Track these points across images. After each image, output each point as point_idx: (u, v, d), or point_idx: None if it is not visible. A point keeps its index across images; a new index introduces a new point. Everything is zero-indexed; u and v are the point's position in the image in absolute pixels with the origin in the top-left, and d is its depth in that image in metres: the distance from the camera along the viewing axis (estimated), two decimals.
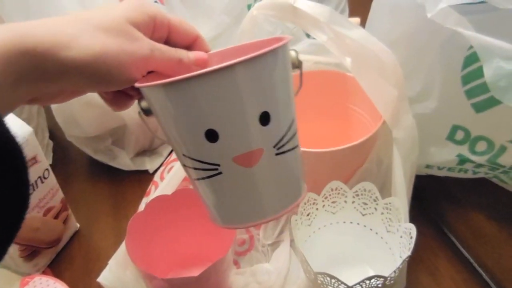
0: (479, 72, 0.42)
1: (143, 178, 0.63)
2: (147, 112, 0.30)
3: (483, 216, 0.53)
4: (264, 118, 0.27)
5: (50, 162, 0.68)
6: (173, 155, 0.55)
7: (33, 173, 0.48)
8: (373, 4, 0.49)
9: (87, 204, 0.61)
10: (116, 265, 0.41)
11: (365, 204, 0.46)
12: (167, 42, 0.32)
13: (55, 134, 0.73)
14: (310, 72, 0.54)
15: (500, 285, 0.46)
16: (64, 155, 0.70)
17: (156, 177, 0.54)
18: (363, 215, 0.46)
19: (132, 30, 0.28)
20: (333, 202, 0.47)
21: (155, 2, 0.60)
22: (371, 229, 0.46)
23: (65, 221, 0.55)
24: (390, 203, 0.43)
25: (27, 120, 0.63)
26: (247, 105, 0.26)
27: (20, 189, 0.23)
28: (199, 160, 0.28)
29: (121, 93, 0.31)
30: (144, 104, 0.30)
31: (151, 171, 0.64)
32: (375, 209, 0.45)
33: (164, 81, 0.26)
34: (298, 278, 0.47)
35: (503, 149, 0.46)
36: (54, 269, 0.53)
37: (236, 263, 0.51)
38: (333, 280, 0.36)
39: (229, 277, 0.45)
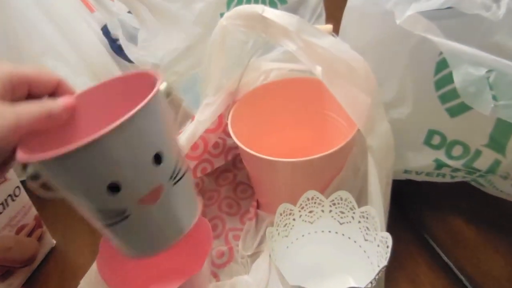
0: (451, 77, 0.42)
1: None
2: (35, 177, 0.29)
3: (462, 220, 0.53)
4: (157, 158, 0.29)
5: (24, 178, 0.67)
6: None
7: (2, 192, 0.47)
8: (345, 12, 0.49)
9: (63, 219, 0.60)
10: (87, 285, 0.40)
11: (342, 213, 0.45)
12: (30, 95, 0.31)
13: None
14: (285, 80, 0.53)
15: None
16: None
17: None
18: (341, 224, 0.46)
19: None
20: (310, 212, 0.46)
21: (128, 12, 0.59)
22: (349, 238, 0.46)
23: (39, 239, 0.54)
24: (366, 211, 0.43)
25: None
26: (139, 155, 0.28)
27: None
28: (106, 210, 0.29)
29: None
30: (31, 169, 0.29)
31: None
32: (352, 218, 0.45)
33: (49, 156, 0.25)
34: None
35: (478, 153, 0.46)
36: None
37: (215, 275, 0.50)
38: None
39: None
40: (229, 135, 0.47)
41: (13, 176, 0.48)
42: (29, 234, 0.52)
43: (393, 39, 0.45)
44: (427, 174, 0.52)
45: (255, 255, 0.50)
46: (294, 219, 0.46)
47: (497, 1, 0.40)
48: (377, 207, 0.42)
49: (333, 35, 0.47)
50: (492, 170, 0.46)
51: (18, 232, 0.50)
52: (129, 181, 0.28)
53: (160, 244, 0.32)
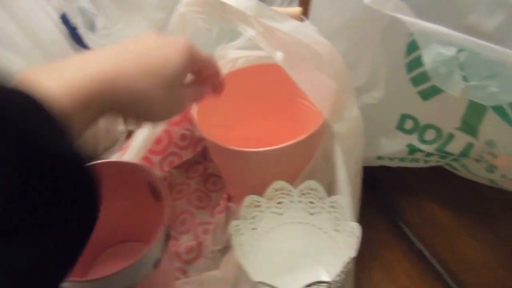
0: (421, 60, 0.40)
1: None
2: None
3: (437, 206, 0.52)
4: None
5: None
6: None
7: None
8: None
9: None
10: None
11: (312, 203, 0.44)
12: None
13: None
14: (253, 67, 0.51)
15: (454, 277, 0.45)
16: None
17: None
18: (311, 214, 0.44)
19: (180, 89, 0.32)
20: (278, 203, 0.44)
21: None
22: (320, 229, 0.44)
23: None
24: (335, 201, 0.41)
25: None
26: None
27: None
28: None
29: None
30: None
31: None
32: (322, 208, 0.43)
33: None
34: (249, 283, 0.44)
35: (451, 136, 0.45)
36: None
37: (184, 272, 0.48)
38: None
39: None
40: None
41: None
42: None
43: (363, 21, 0.43)
44: (401, 159, 0.51)
45: (225, 250, 0.48)
46: (262, 211, 0.44)
47: None
48: (345, 196, 0.41)
49: (302, 19, 0.45)
50: (464, 153, 0.45)
51: None
52: None
53: None
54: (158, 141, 0.47)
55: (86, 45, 0.56)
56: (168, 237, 0.39)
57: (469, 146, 0.44)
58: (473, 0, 0.44)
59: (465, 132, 0.44)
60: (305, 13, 0.49)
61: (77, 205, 0.22)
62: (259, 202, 0.43)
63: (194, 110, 0.46)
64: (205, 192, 0.56)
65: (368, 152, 0.51)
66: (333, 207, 0.42)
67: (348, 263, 0.35)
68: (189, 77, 0.34)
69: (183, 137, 0.52)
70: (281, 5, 0.72)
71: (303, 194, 0.44)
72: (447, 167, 0.52)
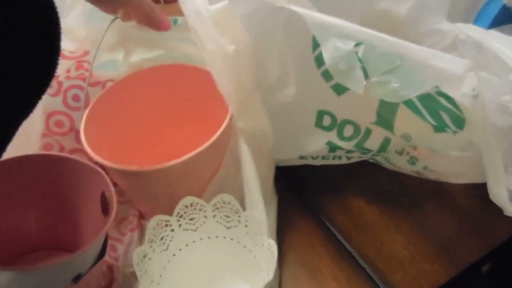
0: None
1: None
2: None
3: (364, 202, 0.50)
4: None
5: None
6: None
7: None
8: None
9: None
10: None
11: (228, 216, 0.40)
12: None
13: None
14: (151, 69, 0.46)
15: (382, 275, 0.43)
16: None
17: None
18: (228, 228, 0.41)
19: None
20: (191, 220, 0.40)
21: None
22: (238, 242, 0.41)
23: None
24: (250, 215, 0.38)
25: None
26: None
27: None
28: None
29: None
30: None
31: None
32: (239, 221, 0.40)
33: None
34: None
35: (368, 132, 0.43)
36: None
37: None
38: None
39: None
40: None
41: None
42: None
43: (264, 13, 0.40)
44: (323, 157, 0.48)
45: None
46: (172, 230, 0.40)
47: None
48: (259, 208, 0.37)
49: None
50: (383, 148, 0.43)
51: None
52: None
53: None
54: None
55: None
56: (101, 255, 0.35)
57: (387, 141, 0.42)
58: None
59: (381, 127, 0.41)
60: None
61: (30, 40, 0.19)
62: (168, 221, 0.40)
63: (81, 127, 0.41)
64: None
65: (290, 152, 0.48)
66: (247, 220, 0.38)
67: (267, 284, 0.32)
68: None
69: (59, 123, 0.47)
70: None
71: (217, 208, 0.40)
72: (371, 161, 0.50)
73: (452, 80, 0.30)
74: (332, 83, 0.42)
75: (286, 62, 0.42)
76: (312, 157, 0.48)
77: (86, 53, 0.46)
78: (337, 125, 0.45)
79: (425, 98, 0.34)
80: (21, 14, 0.18)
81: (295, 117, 0.46)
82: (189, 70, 0.45)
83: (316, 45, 0.40)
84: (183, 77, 0.46)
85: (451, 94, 0.31)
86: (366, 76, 0.32)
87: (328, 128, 0.45)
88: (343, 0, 0.43)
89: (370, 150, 0.44)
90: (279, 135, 0.44)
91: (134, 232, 0.46)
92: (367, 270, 0.44)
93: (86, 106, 0.43)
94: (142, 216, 0.48)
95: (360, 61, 0.32)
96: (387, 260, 0.44)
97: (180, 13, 0.36)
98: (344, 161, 0.49)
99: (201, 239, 0.42)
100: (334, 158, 0.48)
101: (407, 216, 0.48)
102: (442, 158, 0.42)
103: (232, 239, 0.41)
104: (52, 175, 0.39)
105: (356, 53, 0.32)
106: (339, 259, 0.45)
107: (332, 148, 0.45)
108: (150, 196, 0.42)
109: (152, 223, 0.38)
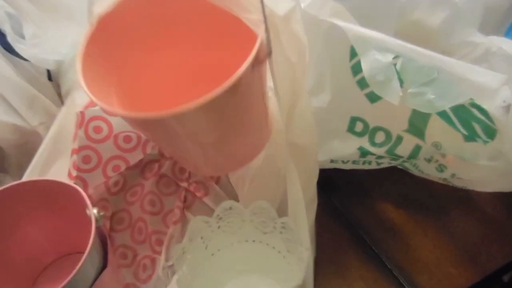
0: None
1: None
2: None
3: (392, 206, 0.51)
4: None
5: None
6: None
7: None
8: None
9: None
10: None
11: (264, 222, 0.43)
12: None
13: None
14: None
15: (409, 279, 0.45)
16: None
17: None
18: (264, 233, 0.43)
19: None
20: (229, 222, 0.43)
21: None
22: (273, 248, 0.43)
23: None
24: (286, 222, 0.40)
25: None
26: None
27: None
28: None
29: None
30: None
31: None
32: (274, 227, 0.42)
33: None
34: None
35: (399, 139, 0.44)
36: None
37: None
38: None
39: None
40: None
41: None
42: None
43: (308, 23, 0.42)
44: (354, 162, 0.50)
45: None
46: (212, 231, 0.42)
47: None
48: (300, 218, 0.39)
49: None
50: (413, 155, 0.45)
51: None
52: None
53: None
54: (86, 159, 0.44)
55: (19, 54, 0.52)
56: (104, 265, 0.37)
57: (418, 148, 0.44)
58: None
59: (412, 134, 0.43)
60: None
61: None
62: (208, 222, 0.42)
63: (78, 68, 0.33)
64: (157, 195, 0.52)
65: (321, 155, 0.50)
66: (284, 227, 0.41)
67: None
68: None
69: (127, 139, 0.48)
70: None
71: (254, 214, 0.43)
72: (400, 167, 0.52)
73: (486, 93, 0.32)
74: (366, 91, 0.44)
75: (323, 70, 0.44)
76: (343, 161, 0.50)
77: None
78: (369, 131, 0.46)
79: (458, 109, 0.36)
80: None
81: (327, 122, 0.47)
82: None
83: (353, 54, 0.42)
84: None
85: (485, 106, 0.33)
86: (402, 86, 0.34)
87: (360, 134, 0.47)
88: (380, 10, 0.45)
89: (400, 156, 0.45)
90: None
91: (177, 225, 0.49)
92: (394, 272, 0.46)
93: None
94: (186, 207, 0.50)
95: (398, 73, 0.34)
96: (414, 263, 0.46)
97: None
98: (373, 166, 0.50)
99: (238, 241, 0.44)
100: (364, 163, 0.50)
101: (433, 221, 0.49)
102: (471, 167, 0.43)
103: (267, 244, 0.44)
104: (51, 195, 0.40)
105: (394, 65, 0.34)
106: (367, 260, 0.47)
107: (363, 153, 0.47)
108: (183, 148, 0.38)
109: (193, 222, 0.41)
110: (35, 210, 0.40)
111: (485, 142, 0.38)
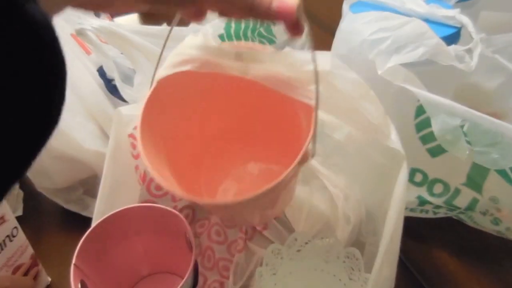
0: (429, 121, 0.45)
1: None
2: None
3: (447, 254, 0.55)
4: None
5: (21, 213, 0.68)
6: None
7: (0, 232, 0.48)
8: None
9: (59, 256, 0.61)
10: None
11: (328, 251, 0.47)
12: None
13: (25, 184, 0.72)
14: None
15: None
16: (35, 205, 0.70)
17: None
18: (326, 262, 0.48)
19: None
20: (298, 251, 0.48)
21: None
22: (334, 275, 0.48)
23: (35, 277, 0.55)
24: (351, 253, 0.45)
25: None
26: None
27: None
28: None
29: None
30: None
31: None
32: (337, 257, 0.47)
33: None
34: None
35: (457, 191, 0.49)
36: None
37: None
38: None
39: None
40: None
41: (10, 217, 0.49)
42: (25, 273, 0.53)
43: (376, 85, 0.48)
44: (411, 210, 0.54)
45: None
46: (282, 258, 0.47)
47: (469, 52, 0.44)
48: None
49: None
50: (470, 207, 0.49)
51: (14, 272, 0.51)
52: None
53: None
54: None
55: (122, 97, 0.61)
56: (194, 285, 0.42)
57: (475, 201, 0.48)
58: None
59: (470, 188, 0.47)
60: None
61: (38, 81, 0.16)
62: (279, 249, 0.47)
63: (138, 139, 0.34)
64: (222, 227, 0.58)
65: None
66: (348, 257, 0.45)
67: None
68: None
69: None
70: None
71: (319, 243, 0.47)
72: (455, 217, 0.55)
73: None
74: (428, 146, 0.49)
75: None
76: None
77: None
78: (428, 182, 0.51)
79: None
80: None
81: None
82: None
83: (418, 114, 0.47)
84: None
85: None
86: (469, 145, 0.39)
87: (419, 184, 0.52)
88: (442, 74, 0.50)
89: (458, 207, 0.50)
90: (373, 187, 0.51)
91: (241, 253, 0.54)
92: None
93: None
94: (247, 238, 0.56)
95: (465, 134, 0.39)
96: None
97: None
98: (430, 215, 0.54)
99: (303, 269, 0.49)
100: (421, 211, 0.54)
101: (487, 271, 0.52)
102: None
103: (329, 272, 0.48)
104: (155, 217, 0.46)
105: (462, 127, 0.39)
106: None
107: (422, 202, 0.52)
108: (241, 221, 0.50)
109: (269, 249, 0.46)
110: (139, 228, 0.47)
111: None
